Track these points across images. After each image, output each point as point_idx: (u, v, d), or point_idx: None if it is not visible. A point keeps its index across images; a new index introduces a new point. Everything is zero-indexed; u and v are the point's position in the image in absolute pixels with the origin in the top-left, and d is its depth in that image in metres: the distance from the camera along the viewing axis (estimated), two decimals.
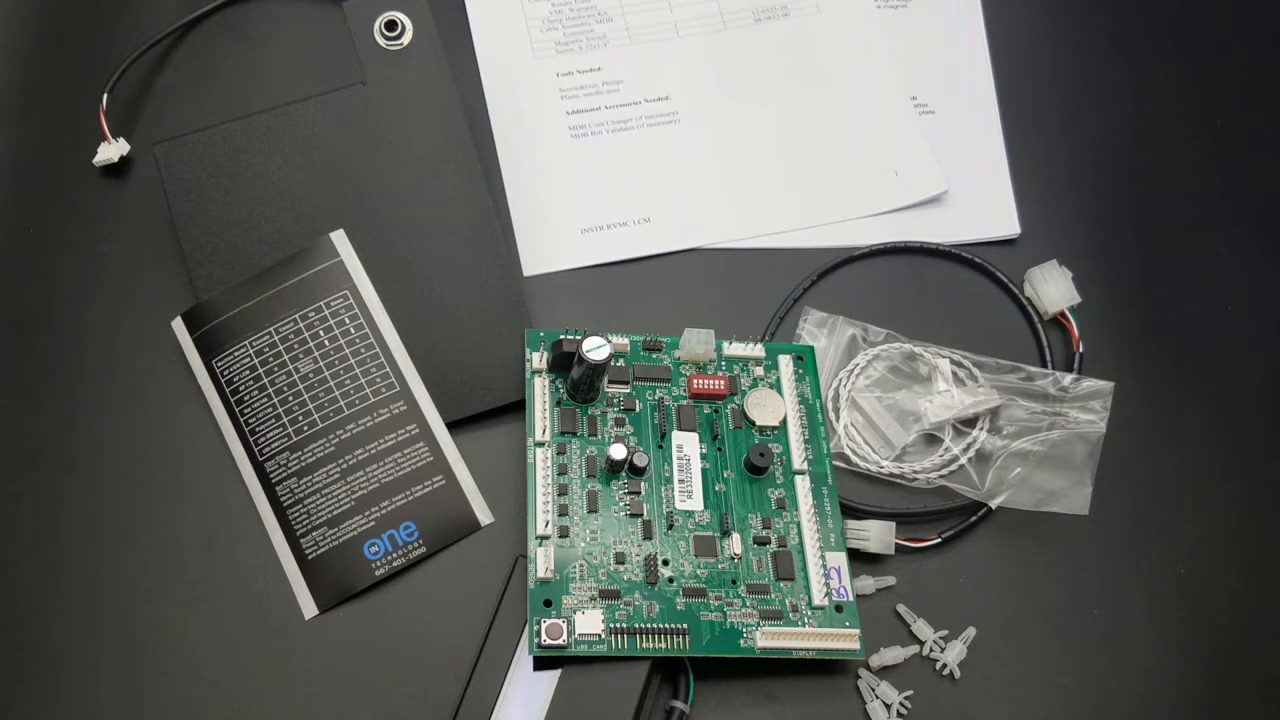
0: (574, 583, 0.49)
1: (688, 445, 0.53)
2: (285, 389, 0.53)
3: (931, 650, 0.52)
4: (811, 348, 0.57)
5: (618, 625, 0.48)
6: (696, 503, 0.51)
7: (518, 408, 0.54)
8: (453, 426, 0.54)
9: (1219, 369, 0.58)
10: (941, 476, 0.54)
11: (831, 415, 0.56)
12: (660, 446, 0.53)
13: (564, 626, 0.47)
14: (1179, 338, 0.59)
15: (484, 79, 0.63)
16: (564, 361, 0.52)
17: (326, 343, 0.54)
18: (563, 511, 0.50)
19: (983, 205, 0.61)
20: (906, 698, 0.51)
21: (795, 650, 0.49)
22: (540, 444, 0.51)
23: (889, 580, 0.53)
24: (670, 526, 0.51)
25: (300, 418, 0.53)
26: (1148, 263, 0.61)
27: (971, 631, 0.52)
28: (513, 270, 0.57)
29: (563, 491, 0.51)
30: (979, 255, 0.60)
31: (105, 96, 0.59)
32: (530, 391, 0.52)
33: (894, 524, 0.53)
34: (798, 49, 0.64)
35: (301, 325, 0.54)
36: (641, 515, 0.51)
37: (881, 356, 0.57)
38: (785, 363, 0.55)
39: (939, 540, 0.54)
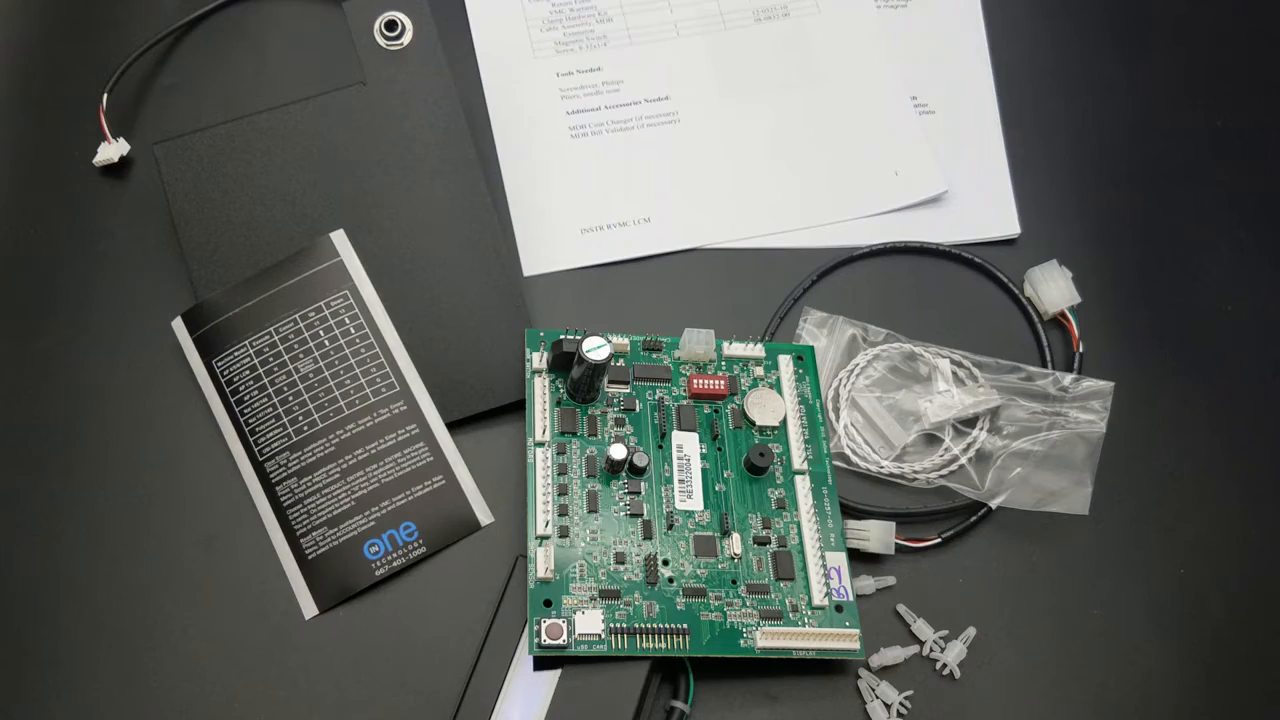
0: (574, 583, 0.49)
1: (688, 445, 0.53)
2: (285, 389, 0.53)
3: (931, 650, 0.52)
4: (811, 348, 0.57)
5: (618, 625, 0.48)
6: (696, 503, 0.51)
7: (518, 408, 0.54)
8: (453, 426, 0.54)
9: (1219, 369, 0.58)
10: (941, 476, 0.54)
11: (831, 415, 0.56)
12: (660, 446, 0.53)
13: (564, 626, 0.47)
14: (1179, 338, 0.59)
15: (484, 79, 0.63)
16: (564, 361, 0.52)
17: (326, 343, 0.54)
18: (563, 511, 0.50)
19: (983, 205, 0.61)
20: (906, 698, 0.51)
21: (795, 650, 0.49)
22: (540, 444, 0.51)
23: (889, 580, 0.53)
24: (670, 526, 0.51)
25: (300, 418, 0.53)
26: (1148, 263, 0.61)
27: (971, 631, 0.52)
28: (513, 270, 0.57)
29: (563, 491, 0.51)
30: (979, 255, 0.60)
31: (105, 96, 0.59)
32: (530, 391, 0.52)
33: (894, 524, 0.53)
34: (798, 49, 0.64)
35: (301, 325, 0.54)
36: (641, 515, 0.51)
37: (881, 356, 0.57)
38: (785, 363, 0.55)
39: (939, 540, 0.54)
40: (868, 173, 0.62)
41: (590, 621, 0.48)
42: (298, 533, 0.52)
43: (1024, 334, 0.59)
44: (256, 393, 0.54)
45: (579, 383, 0.52)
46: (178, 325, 0.55)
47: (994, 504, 0.53)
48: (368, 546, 0.52)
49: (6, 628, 0.51)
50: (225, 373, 0.54)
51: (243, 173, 0.56)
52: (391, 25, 0.57)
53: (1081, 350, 0.57)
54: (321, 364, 0.54)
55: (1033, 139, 0.63)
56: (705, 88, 0.63)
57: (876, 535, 0.52)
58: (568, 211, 0.60)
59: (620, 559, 0.50)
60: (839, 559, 0.51)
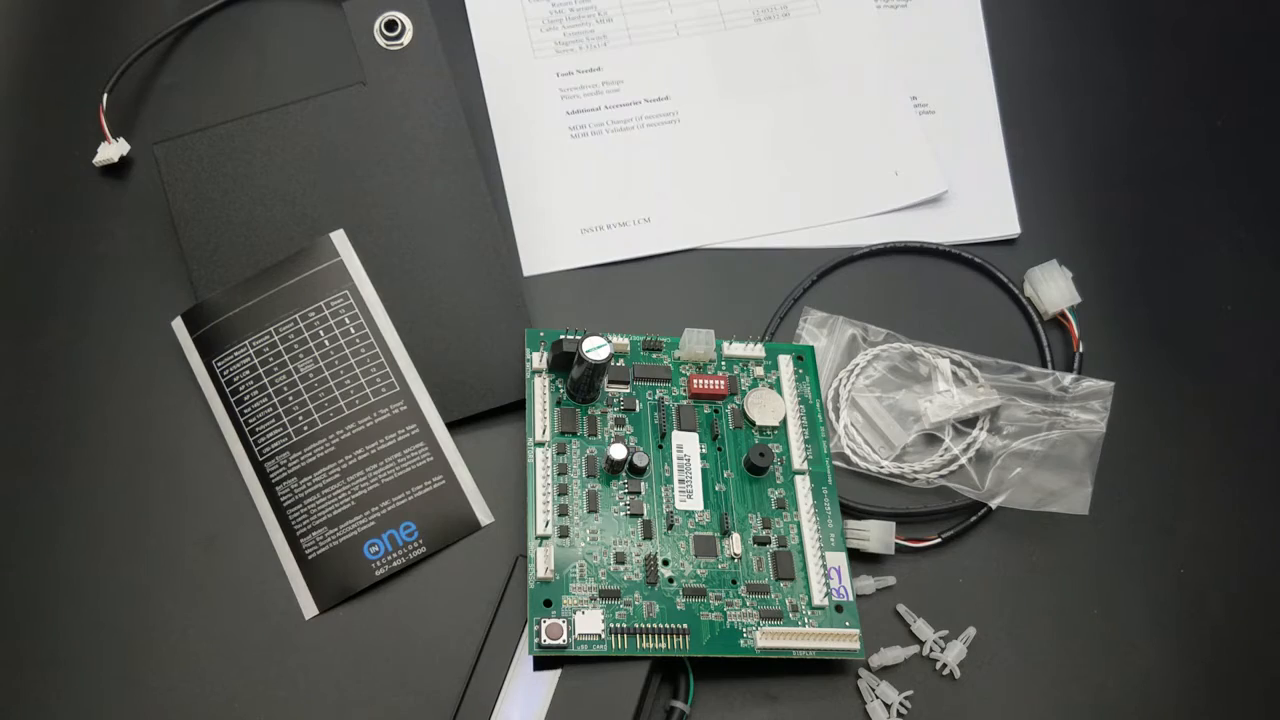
0: (574, 583, 0.49)
1: (688, 445, 0.53)
2: (285, 389, 0.53)
3: (931, 650, 0.52)
4: (811, 348, 0.57)
5: (618, 625, 0.48)
6: (696, 503, 0.51)
7: (518, 408, 0.54)
8: (453, 426, 0.54)
9: (1219, 369, 0.58)
10: (941, 476, 0.54)
11: (831, 415, 0.56)
12: (660, 446, 0.52)
13: (564, 626, 0.47)
14: (1179, 338, 0.59)
15: (484, 79, 0.63)
16: (564, 361, 0.52)
17: (326, 343, 0.54)
18: (563, 511, 0.50)
19: (983, 205, 0.61)
20: (906, 698, 0.51)
21: (795, 650, 0.49)
22: (540, 444, 0.51)
23: (889, 580, 0.53)
24: (670, 526, 0.51)
25: (300, 418, 0.53)
26: (1148, 263, 0.61)
27: (971, 631, 0.52)
28: (513, 270, 0.57)
29: (563, 491, 0.51)
30: (979, 255, 0.60)
31: (105, 96, 0.59)
32: (530, 391, 0.52)
33: (894, 524, 0.53)
34: (798, 49, 0.64)
35: (301, 325, 0.54)
36: (641, 515, 0.51)
37: (881, 356, 0.57)
38: (785, 363, 0.55)
39: (939, 540, 0.54)
40: (868, 173, 0.62)
41: (590, 621, 0.48)
42: (298, 533, 0.52)
43: (1024, 334, 0.59)
44: (256, 393, 0.54)
45: (579, 383, 0.52)
46: (178, 325, 0.55)
47: (994, 504, 0.53)
48: (368, 546, 0.52)
49: (6, 628, 0.51)
50: (225, 373, 0.54)
51: (243, 173, 0.56)
52: (391, 25, 0.57)
53: (1081, 350, 0.57)
54: (321, 364, 0.54)
55: (1033, 139, 0.63)
56: (705, 88, 0.63)
57: (876, 535, 0.52)
58: (568, 211, 0.60)
59: (620, 559, 0.50)
60: (839, 559, 0.51)
